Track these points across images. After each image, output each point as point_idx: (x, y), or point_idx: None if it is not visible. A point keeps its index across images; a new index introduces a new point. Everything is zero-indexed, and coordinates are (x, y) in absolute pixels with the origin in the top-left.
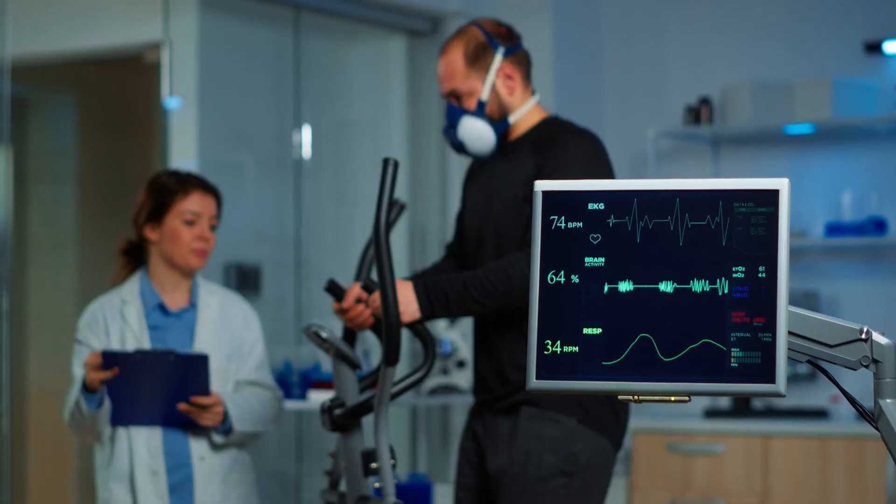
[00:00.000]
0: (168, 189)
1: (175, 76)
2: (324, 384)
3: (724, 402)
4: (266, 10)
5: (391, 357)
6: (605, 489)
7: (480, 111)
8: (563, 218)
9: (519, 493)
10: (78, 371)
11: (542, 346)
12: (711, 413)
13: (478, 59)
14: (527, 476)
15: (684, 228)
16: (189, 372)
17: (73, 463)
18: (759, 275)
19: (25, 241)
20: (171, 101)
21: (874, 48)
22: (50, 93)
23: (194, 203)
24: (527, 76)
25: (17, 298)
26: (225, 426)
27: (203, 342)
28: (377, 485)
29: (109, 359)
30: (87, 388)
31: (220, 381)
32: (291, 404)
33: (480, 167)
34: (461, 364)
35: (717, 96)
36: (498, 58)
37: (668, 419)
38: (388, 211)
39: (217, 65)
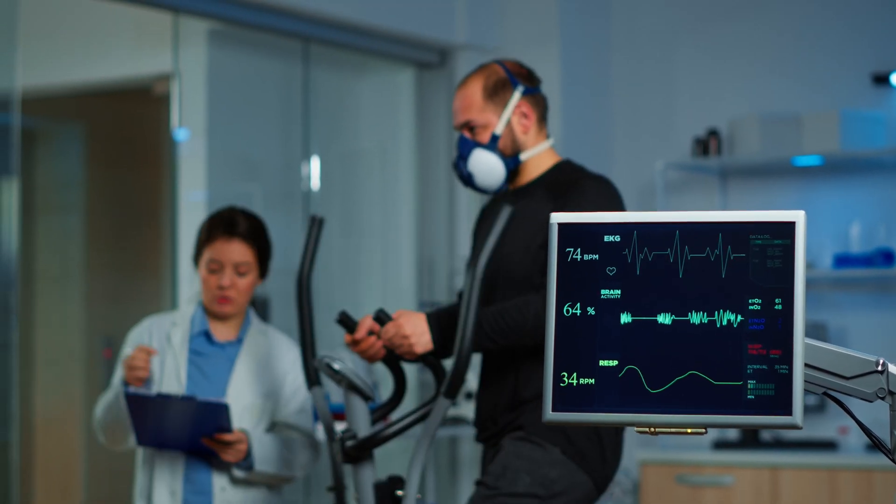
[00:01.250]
0: (201, 235)
1: (184, 107)
2: (334, 416)
3: (733, 434)
4: (275, 41)
5: (452, 389)
6: None
7: (493, 145)
8: (578, 250)
9: (487, 501)
10: (117, 379)
11: (558, 379)
12: (720, 444)
13: (496, 93)
14: (498, 488)
15: (700, 260)
16: (210, 416)
17: (80, 493)
18: (776, 307)
19: (33, 273)
20: (180, 133)
21: (882, 80)
22: (58, 124)
23: (216, 251)
24: (542, 119)
25: (24, 329)
26: (247, 463)
27: (240, 376)
28: None
29: (133, 400)
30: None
31: (254, 418)
32: None
33: (492, 210)
34: (470, 396)
35: (725, 128)
36: (516, 95)
37: (677, 451)
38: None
39: (226, 96)
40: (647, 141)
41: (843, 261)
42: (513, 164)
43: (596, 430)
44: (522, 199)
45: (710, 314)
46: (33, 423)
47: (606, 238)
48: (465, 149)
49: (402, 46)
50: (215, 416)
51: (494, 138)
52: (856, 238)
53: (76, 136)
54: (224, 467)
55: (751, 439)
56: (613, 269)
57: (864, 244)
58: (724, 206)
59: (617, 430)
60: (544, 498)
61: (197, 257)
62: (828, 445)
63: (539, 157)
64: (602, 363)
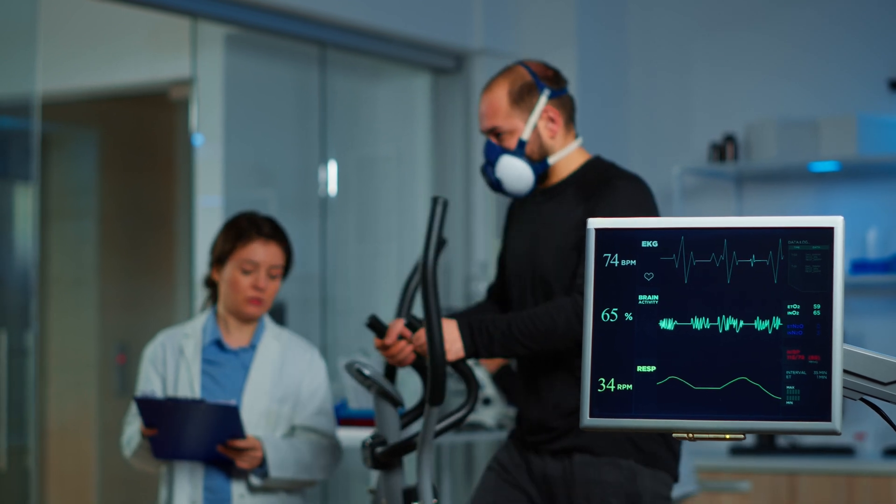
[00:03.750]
0: (231, 236)
1: (201, 113)
2: (351, 421)
3: (750, 440)
4: (292, 47)
5: (436, 397)
6: None
7: (520, 151)
8: (616, 256)
9: None
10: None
11: (595, 384)
12: (737, 450)
13: (522, 98)
14: None
15: (738, 266)
16: (221, 419)
17: (94, 499)
18: (815, 312)
19: (47, 278)
20: (197, 138)
21: None
22: (74, 129)
23: (253, 252)
24: (570, 120)
25: (39, 335)
26: (262, 470)
27: (255, 382)
28: None
29: (144, 404)
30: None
31: (270, 424)
32: None
33: (522, 209)
34: (487, 401)
35: (742, 133)
36: (543, 100)
37: (694, 456)
38: (437, 250)
39: (243, 101)
40: (663, 146)
41: (859, 267)
42: (541, 168)
43: None
44: (552, 199)
45: (749, 320)
46: (47, 428)
47: (644, 244)
48: (492, 155)
49: (419, 52)
50: (225, 418)
51: (521, 144)
52: (872, 244)
53: (92, 141)
54: (242, 474)
55: (767, 445)
56: (651, 275)
57: (880, 250)
58: (741, 212)
59: None
60: None
61: (221, 260)
62: (845, 451)
63: (568, 158)
64: (640, 369)
